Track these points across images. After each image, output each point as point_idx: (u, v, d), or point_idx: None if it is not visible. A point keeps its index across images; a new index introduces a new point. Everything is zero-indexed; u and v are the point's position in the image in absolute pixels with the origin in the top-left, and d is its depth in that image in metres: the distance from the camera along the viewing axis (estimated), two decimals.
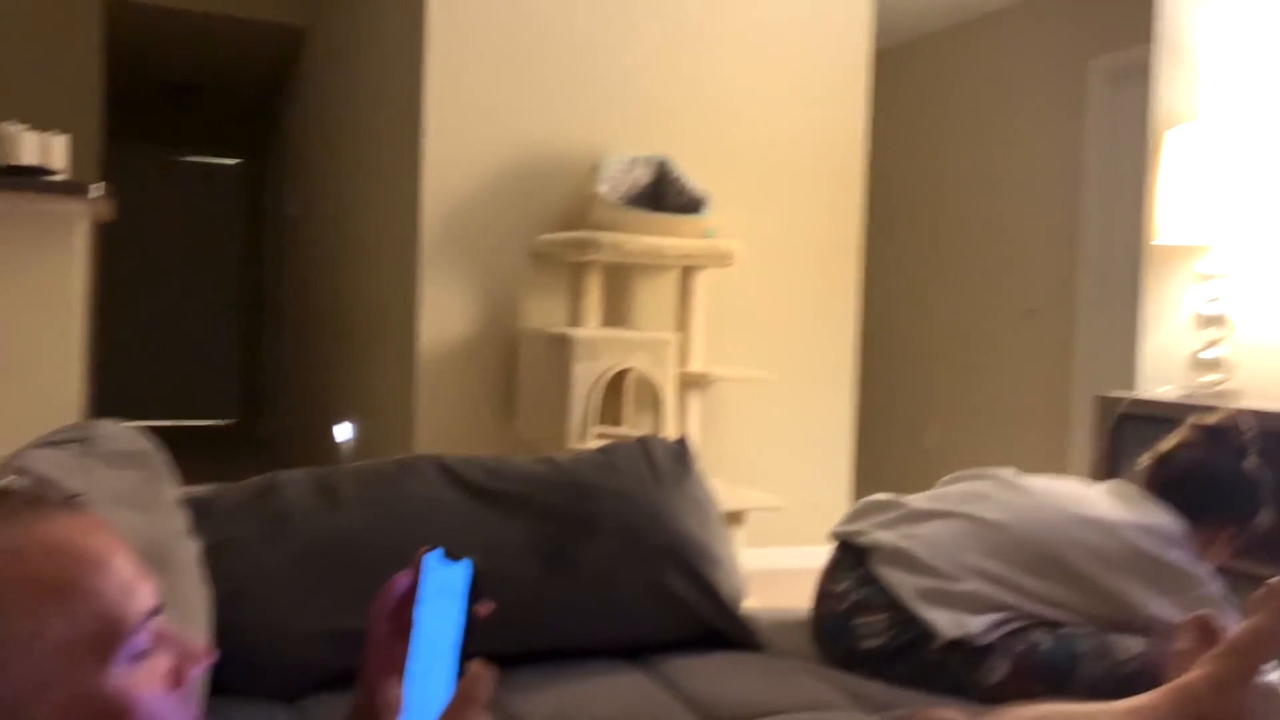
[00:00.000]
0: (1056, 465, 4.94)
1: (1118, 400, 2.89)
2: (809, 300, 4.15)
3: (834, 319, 4.21)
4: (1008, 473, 1.82)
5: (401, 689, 0.83)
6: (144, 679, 0.67)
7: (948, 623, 1.56)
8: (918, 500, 1.79)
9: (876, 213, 5.97)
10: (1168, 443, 1.81)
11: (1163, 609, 1.59)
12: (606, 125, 3.78)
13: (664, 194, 3.62)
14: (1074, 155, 4.88)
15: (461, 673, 0.74)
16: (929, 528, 1.70)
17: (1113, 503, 1.72)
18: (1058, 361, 4.95)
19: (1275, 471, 1.80)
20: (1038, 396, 5.06)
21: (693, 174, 3.88)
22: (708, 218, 3.46)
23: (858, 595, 1.66)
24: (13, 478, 1.18)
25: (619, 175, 3.53)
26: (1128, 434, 2.89)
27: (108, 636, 0.65)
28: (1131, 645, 1.58)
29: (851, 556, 1.73)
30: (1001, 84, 5.27)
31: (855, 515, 1.83)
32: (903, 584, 1.62)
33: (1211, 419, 1.83)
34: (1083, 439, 4.76)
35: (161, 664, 0.69)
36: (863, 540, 1.71)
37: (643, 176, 3.60)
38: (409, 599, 0.83)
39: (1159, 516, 1.68)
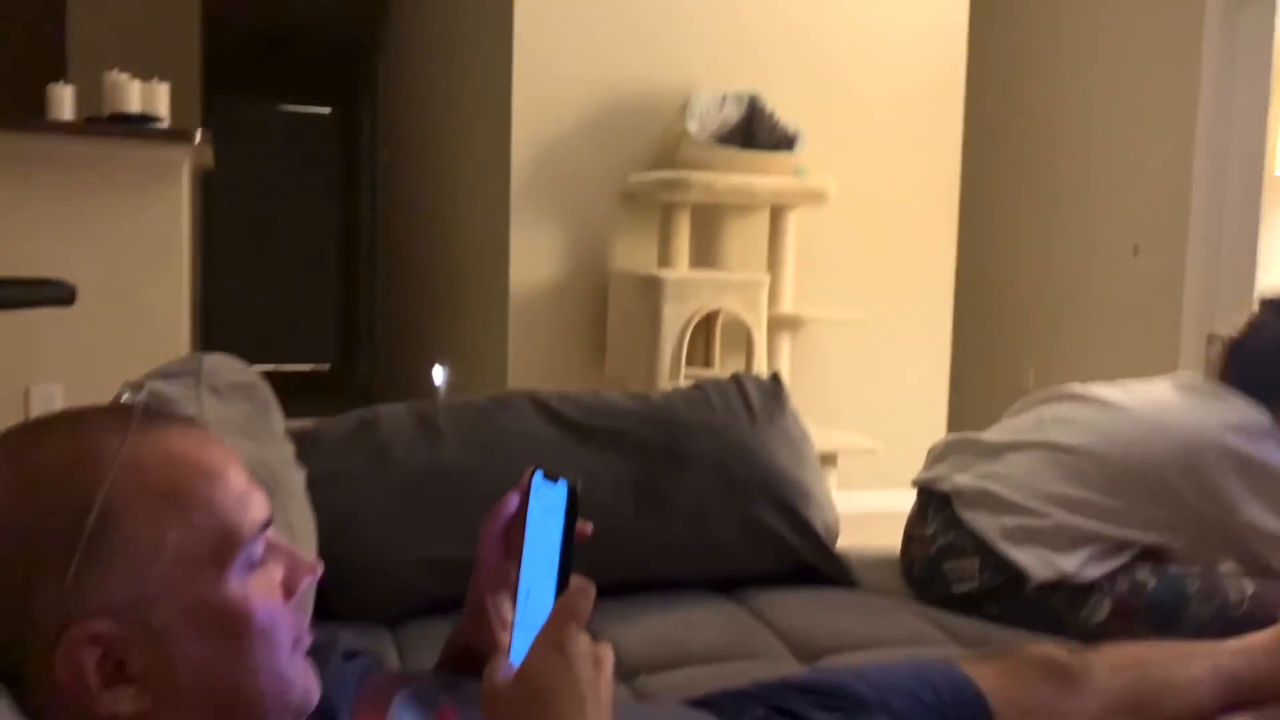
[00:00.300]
0: None
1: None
2: (904, 239, 4.06)
3: (930, 258, 4.11)
4: (1077, 388, 1.74)
5: (511, 606, 0.84)
6: (259, 587, 0.69)
7: (1038, 563, 1.53)
8: (994, 434, 1.74)
9: (976, 147, 5.79)
10: (1237, 327, 1.70)
11: (1259, 513, 1.52)
12: (697, 61, 3.73)
13: (755, 131, 3.56)
14: (1188, 82, 4.65)
15: (565, 585, 0.74)
16: (1007, 463, 1.65)
17: (1189, 401, 1.62)
18: (1166, 301, 4.76)
19: None
20: (1144, 337, 4.88)
21: (785, 110, 3.80)
22: (800, 155, 3.40)
23: (945, 540, 1.63)
24: (140, 393, 1.23)
25: (709, 113, 3.48)
26: None
27: (224, 545, 0.67)
28: (1245, 586, 1.52)
29: (936, 500, 1.70)
30: (1111, 8, 5.04)
31: (935, 459, 1.79)
32: (988, 526, 1.59)
33: (1274, 293, 1.71)
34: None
35: (274, 574, 0.71)
36: (943, 486, 1.68)
37: (733, 114, 3.54)
38: (517, 520, 0.83)
39: (1239, 409, 1.59)
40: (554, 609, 0.73)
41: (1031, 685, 1.13)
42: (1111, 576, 1.53)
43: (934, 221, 4.08)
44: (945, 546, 1.62)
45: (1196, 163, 4.64)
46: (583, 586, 0.73)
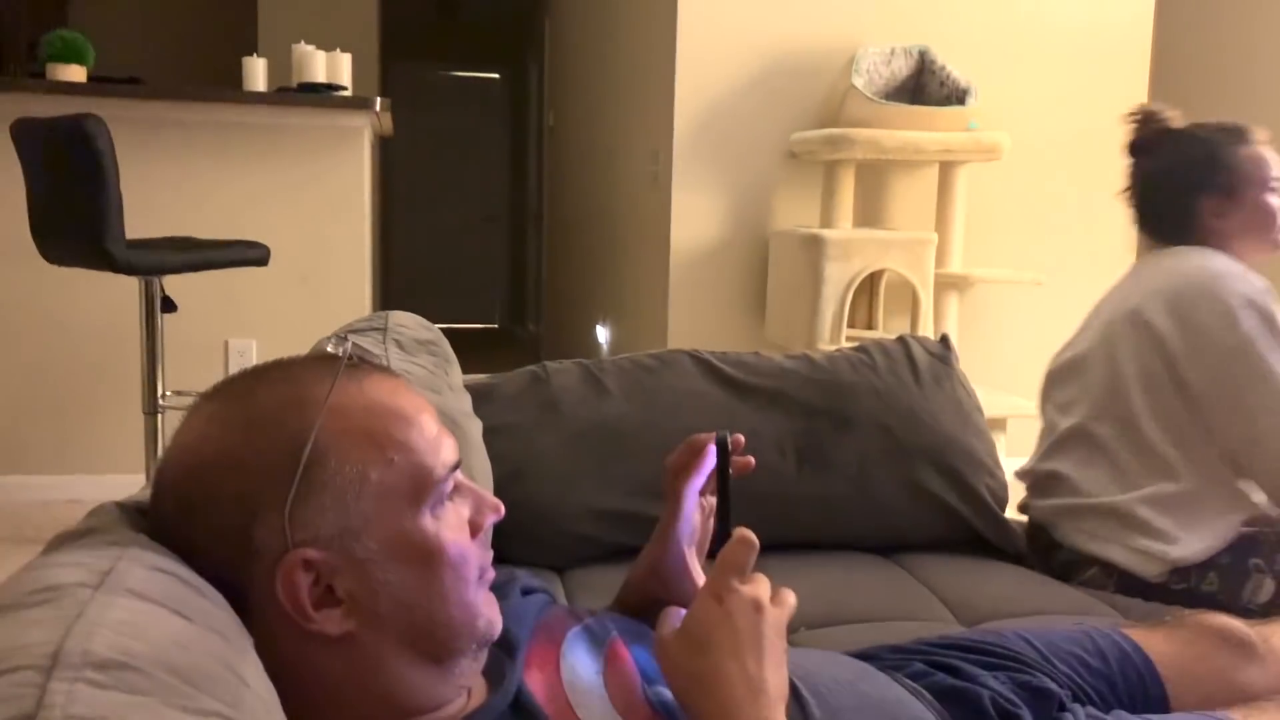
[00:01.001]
0: None
1: None
2: (1080, 197, 3.88)
3: (1106, 217, 3.92)
4: (1082, 339, 1.70)
5: (696, 559, 0.88)
6: (449, 524, 0.75)
7: (1144, 563, 1.47)
8: (1045, 424, 1.71)
9: (1162, 99, 5.46)
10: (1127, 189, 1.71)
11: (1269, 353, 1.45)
12: (865, 15, 3.65)
13: (925, 85, 3.46)
14: None
15: (726, 536, 0.78)
16: (1064, 458, 1.63)
17: (1152, 281, 1.59)
18: None
19: None
20: None
21: (956, 63, 3.68)
22: (972, 109, 3.29)
23: (1061, 555, 1.60)
24: (345, 343, 1.32)
25: (877, 67, 3.41)
26: None
27: (420, 483, 0.73)
28: None
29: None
30: None
31: (1037, 458, 1.74)
32: (1080, 534, 1.55)
33: (1129, 136, 1.68)
34: None
35: (462, 512, 0.77)
36: (1029, 509, 1.64)
37: (902, 68, 3.46)
38: (709, 478, 0.87)
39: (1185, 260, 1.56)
40: (717, 560, 0.76)
41: (1205, 654, 1.10)
42: (1268, 554, 1.46)
43: (1113, 179, 3.87)
44: (1065, 564, 1.58)
45: None
46: (745, 538, 0.76)
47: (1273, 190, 1.60)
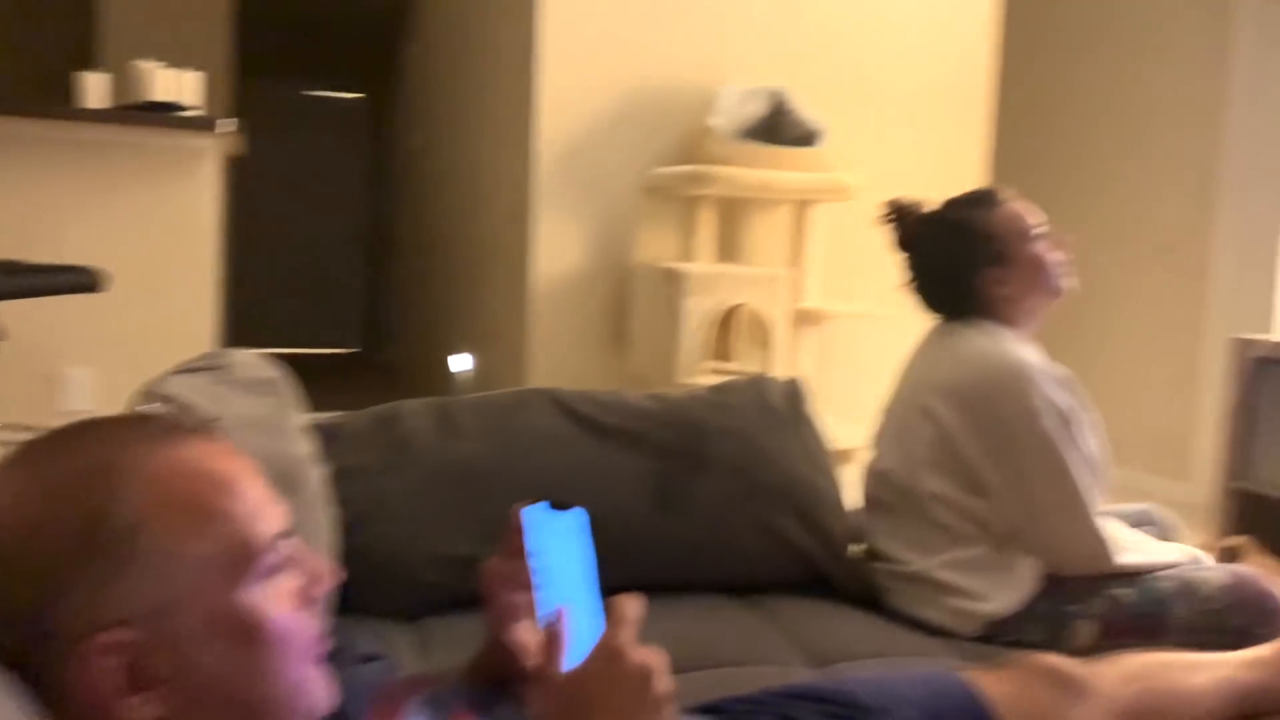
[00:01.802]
0: (1183, 407, 4.74)
1: (1255, 343, 2.75)
2: None
3: None
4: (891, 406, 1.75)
5: (532, 631, 0.86)
6: (274, 597, 0.71)
7: (960, 622, 1.53)
8: (867, 486, 1.76)
9: (1002, 142, 5.75)
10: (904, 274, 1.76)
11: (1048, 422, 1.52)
12: (722, 56, 3.72)
13: (780, 126, 3.55)
14: (1217, 78, 4.59)
15: (598, 602, 0.76)
16: (881, 523, 1.68)
17: (948, 359, 1.65)
18: (1191, 301, 4.72)
19: None
20: (1168, 338, 4.84)
21: (810, 105, 3.79)
22: (823, 150, 3.39)
23: (892, 615, 1.64)
24: (158, 405, 1.25)
25: (734, 107, 3.48)
26: (1265, 379, 2.76)
27: (241, 555, 0.69)
28: (1211, 578, 1.53)
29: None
30: (1141, 3, 4.98)
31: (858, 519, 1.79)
32: (901, 596, 1.60)
33: (890, 234, 1.74)
34: (1216, 384, 4.56)
35: (291, 583, 0.73)
36: (878, 582, 1.67)
37: (758, 109, 3.53)
38: (520, 556, 0.85)
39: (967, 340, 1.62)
40: (609, 619, 0.75)
41: (1038, 694, 1.14)
42: (1084, 599, 1.53)
43: None
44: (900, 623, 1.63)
45: (1225, 160, 4.59)
46: (634, 597, 0.75)
47: (1037, 239, 1.66)
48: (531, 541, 0.81)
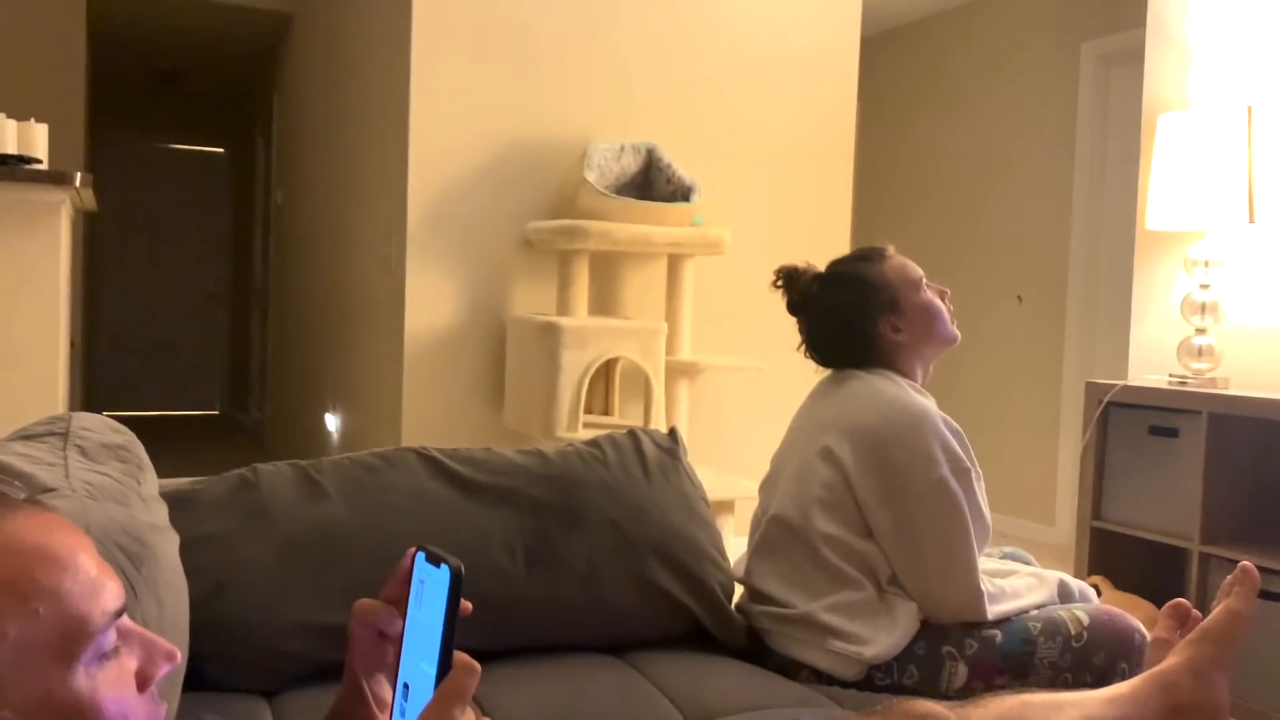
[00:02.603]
0: (1046, 452, 4.94)
1: (1107, 387, 2.89)
2: None
3: None
4: (781, 450, 1.80)
5: (390, 686, 0.82)
6: (110, 680, 0.65)
7: (842, 665, 1.55)
8: (752, 531, 1.78)
9: (866, 199, 5.95)
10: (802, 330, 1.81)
11: (936, 469, 1.57)
12: (594, 112, 3.76)
13: (653, 181, 3.59)
14: (1066, 140, 4.86)
15: (447, 669, 0.72)
16: (764, 567, 1.69)
17: (832, 413, 1.70)
18: (1048, 348, 4.95)
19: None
20: (1028, 383, 5.06)
21: (681, 161, 3.86)
22: (696, 205, 3.44)
23: (774, 660, 1.64)
24: None
25: (607, 162, 3.51)
26: (1117, 421, 2.89)
27: (71, 638, 0.63)
28: (1080, 616, 1.59)
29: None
30: (992, 68, 5.26)
31: (744, 563, 1.80)
32: (784, 639, 1.61)
33: (785, 297, 1.81)
34: (1073, 426, 4.77)
35: (128, 664, 0.68)
36: (760, 624, 1.68)
37: (631, 164, 3.57)
38: (393, 599, 0.81)
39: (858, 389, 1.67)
40: (438, 691, 0.71)
41: None
42: (957, 641, 1.56)
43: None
44: (779, 666, 1.63)
45: (1075, 216, 4.85)
46: (467, 666, 0.71)
47: (926, 289, 1.74)
48: (413, 591, 0.78)
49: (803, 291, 1.77)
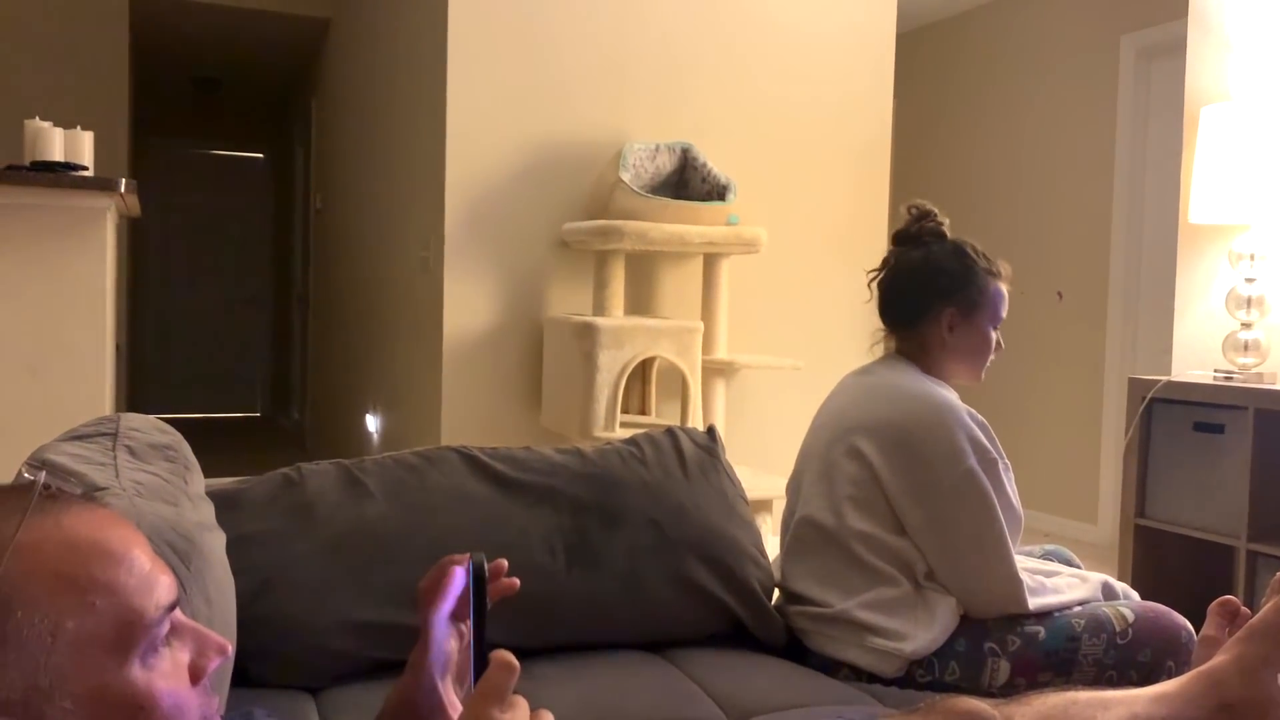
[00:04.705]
0: (1088, 450, 4.88)
1: (1150, 383, 2.85)
2: (835, 286, 4.12)
3: (861, 304, 4.17)
4: (808, 443, 1.77)
5: (453, 690, 0.82)
6: (163, 672, 0.67)
7: (881, 662, 1.54)
8: (785, 524, 1.77)
9: (904, 197, 5.91)
10: (874, 289, 1.81)
11: (962, 465, 1.55)
12: (630, 112, 3.76)
13: (688, 181, 3.60)
14: (1106, 133, 4.81)
15: (483, 667, 0.73)
16: (799, 564, 1.68)
17: (868, 394, 1.68)
18: (1089, 344, 4.89)
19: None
20: (1069, 380, 5.00)
21: (717, 161, 3.86)
22: (731, 205, 3.44)
23: (814, 661, 1.63)
24: (39, 473, 1.19)
25: (642, 162, 3.51)
26: (1161, 418, 2.85)
27: (126, 630, 0.65)
28: (1125, 613, 1.57)
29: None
30: (1032, 62, 5.20)
31: (779, 564, 1.79)
32: (821, 638, 1.60)
33: (901, 226, 1.79)
34: (1115, 423, 4.71)
35: (181, 657, 0.69)
36: (798, 626, 1.67)
37: (666, 164, 3.58)
38: (461, 601, 0.82)
39: (893, 376, 1.66)
40: (475, 689, 0.72)
41: None
42: (1000, 638, 1.55)
43: (863, 268, 4.14)
44: (820, 666, 1.62)
45: (1115, 210, 4.79)
46: (503, 663, 0.72)
47: (996, 327, 1.74)
48: (474, 597, 0.78)
49: (917, 232, 1.76)
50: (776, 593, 1.76)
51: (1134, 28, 4.69)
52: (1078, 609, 1.59)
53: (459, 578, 0.84)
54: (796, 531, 1.69)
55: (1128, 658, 1.54)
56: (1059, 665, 1.53)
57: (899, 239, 1.79)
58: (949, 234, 1.78)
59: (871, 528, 1.59)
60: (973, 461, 1.55)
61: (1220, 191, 2.75)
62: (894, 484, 1.57)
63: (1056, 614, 1.58)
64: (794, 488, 1.77)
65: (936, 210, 1.78)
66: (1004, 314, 1.74)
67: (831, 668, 1.59)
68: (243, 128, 8.53)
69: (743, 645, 1.63)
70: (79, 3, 5.38)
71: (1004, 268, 1.76)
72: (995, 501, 1.55)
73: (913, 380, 1.65)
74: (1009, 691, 1.49)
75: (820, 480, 1.67)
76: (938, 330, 1.70)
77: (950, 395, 1.63)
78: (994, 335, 1.73)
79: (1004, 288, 1.75)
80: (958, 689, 1.51)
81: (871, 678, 1.55)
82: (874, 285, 1.80)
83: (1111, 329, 4.78)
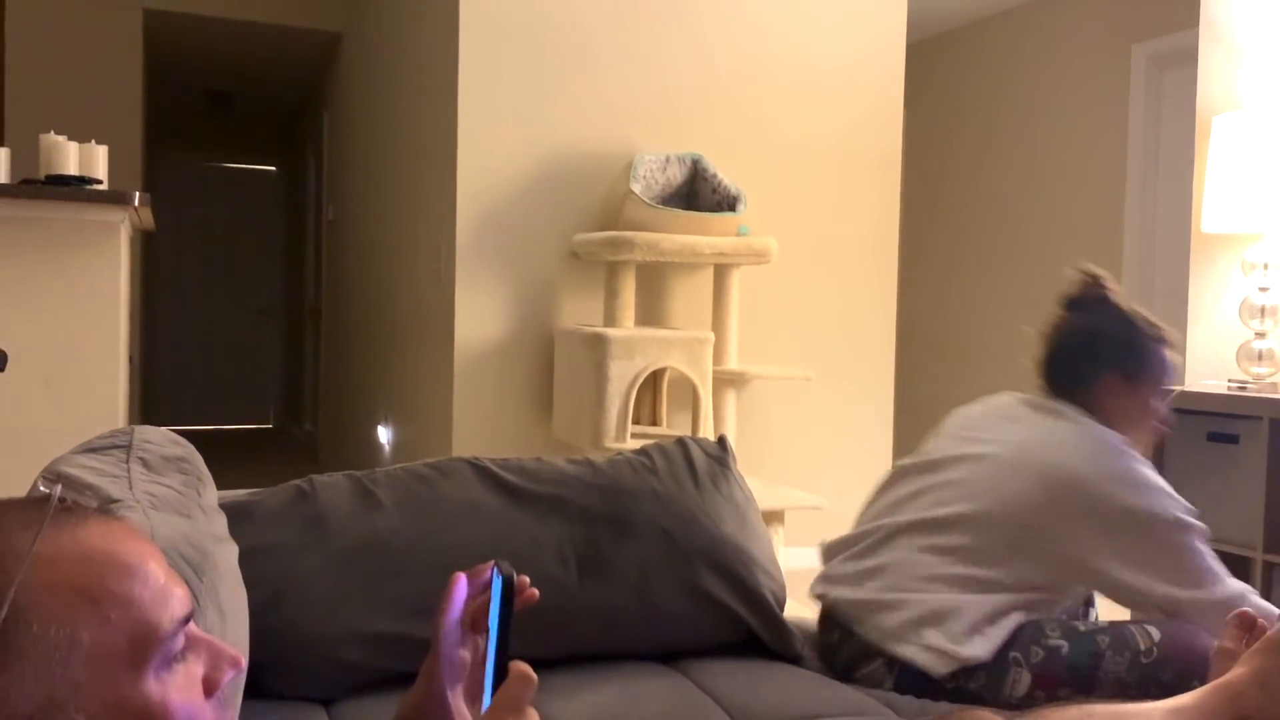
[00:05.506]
0: None
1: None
2: (846, 297, 4.12)
3: (872, 315, 4.17)
4: (934, 449, 1.74)
5: (464, 700, 0.82)
6: (179, 685, 0.67)
7: (934, 660, 1.52)
8: (870, 520, 1.74)
9: (915, 206, 5.91)
10: (1041, 344, 1.76)
11: (1108, 561, 1.54)
12: (640, 123, 3.77)
13: (698, 192, 3.60)
14: (1117, 143, 4.80)
15: (502, 678, 0.73)
16: (887, 554, 1.66)
17: (1042, 427, 1.65)
18: None
19: None
20: None
21: (727, 171, 3.86)
22: (742, 215, 3.44)
23: (849, 648, 1.62)
24: (55, 486, 1.19)
25: (653, 173, 3.52)
26: (1175, 428, 2.84)
27: (141, 643, 0.65)
28: (1151, 632, 1.56)
29: (829, 610, 1.70)
30: (1043, 71, 5.20)
31: (826, 556, 1.78)
32: (876, 630, 1.59)
33: (1070, 290, 1.77)
34: None
35: (195, 670, 0.69)
36: (828, 599, 1.67)
37: (676, 175, 3.59)
38: (476, 612, 0.82)
39: (1087, 433, 1.61)
40: (494, 700, 0.72)
41: None
42: (1024, 648, 1.54)
43: (874, 279, 4.15)
44: (851, 657, 1.61)
45: (1127, 220, 4.78)
46: (522, 675, 0.72)
47: (1162, 398, 1.71)
48: (492, 605, 0.79)
49: (1086, 296, 1.75)
50: (816, 572, 1.73)
51: (1145, 37, 4.68)
52: (1105, 625, 1.58)
53: (461, 588, 0.84)
54: (903, 524, 1.65)
55: (1150, 676, 1.52)
56: (1079, 681, 1.52)
57: (1067, 304, 1.77)
58: (1120, 300, 1.75)
59: (1021, 552, 1.57)
60: (1175, 509, 1.55)
61: (1233, 201, 2.74)
62: (1086, 544, 1.55)
63: (1082, 629, 1.57)
64: (910, 477, 1.72)
65: (1106, 275, 1.77)
66: (1171, 384, 1.70)
67: (864, 659, 1.58)
68: (255, 141, 8.57)
69: (755, 655, 1.62)
70: (93, 19, 5.43)
71: (1173, 335, 1.73)
72: (1189, 527, 1.56)
73: (1092, 424, 1.62)
74: (1028, 704, 1.48)
75: (955, 488, 1.63)
76: (1100, 397, 1.67)
77: (1127, 443, 1.62)
78: (1163, 405, 1.70)
79: (1173, 358, 1.71)
80: (979, 697, 1.51)
81: (900, 679, 1.54)
82: (1037, 347, 1.76)
83: None
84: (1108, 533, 1.54)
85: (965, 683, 1.53)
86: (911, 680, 1.54)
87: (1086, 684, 1.52)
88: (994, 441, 1.66)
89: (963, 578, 1.57)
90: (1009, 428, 1.68)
